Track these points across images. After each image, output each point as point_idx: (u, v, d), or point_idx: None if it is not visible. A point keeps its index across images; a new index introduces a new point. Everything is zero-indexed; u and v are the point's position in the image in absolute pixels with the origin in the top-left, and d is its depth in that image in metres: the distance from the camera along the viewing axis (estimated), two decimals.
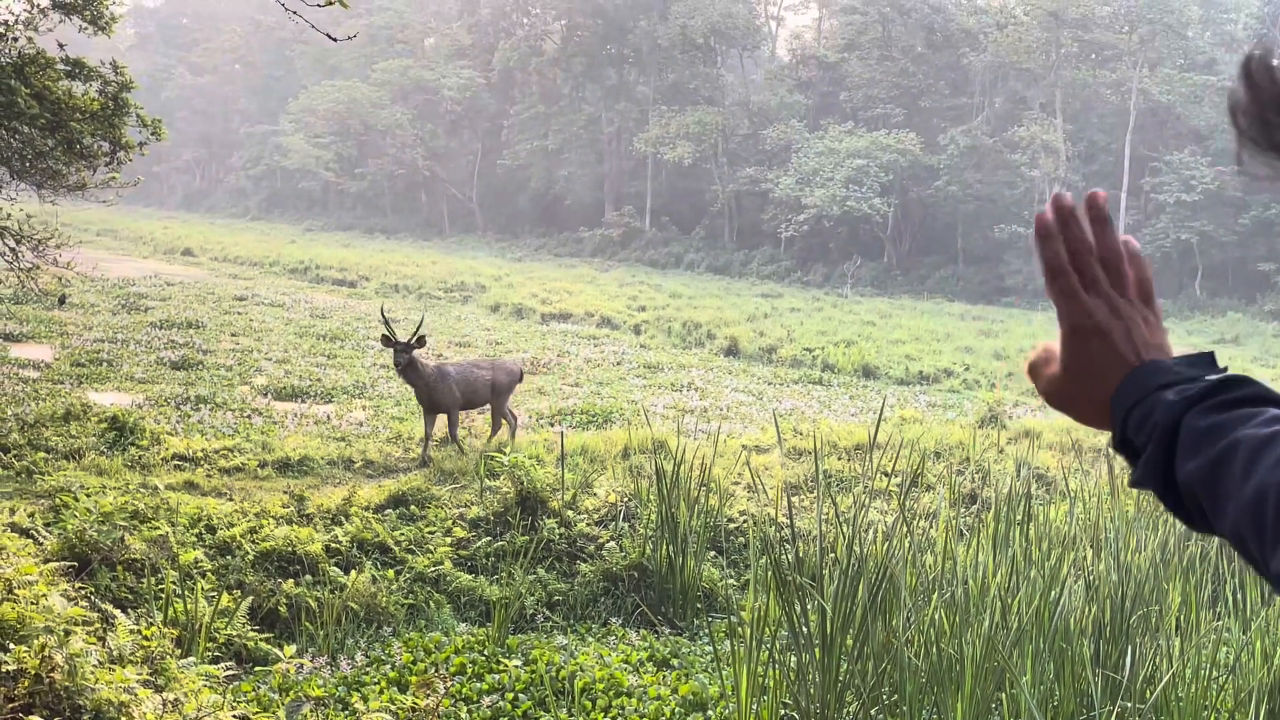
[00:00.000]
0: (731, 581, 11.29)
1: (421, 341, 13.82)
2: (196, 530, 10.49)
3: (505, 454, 12.97)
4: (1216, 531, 1.18)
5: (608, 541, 11.51)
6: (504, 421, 15.04)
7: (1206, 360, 1.28)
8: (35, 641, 5.93)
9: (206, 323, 26.19)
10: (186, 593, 9.07)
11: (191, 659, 7.92)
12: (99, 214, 56.88)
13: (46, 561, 8.65)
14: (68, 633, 6.29)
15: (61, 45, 15.46)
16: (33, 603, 6.47)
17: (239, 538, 10.43)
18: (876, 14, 61.86)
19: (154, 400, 16.75)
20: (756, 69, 75.78)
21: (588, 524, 11.84)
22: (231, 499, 11.68)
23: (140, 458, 12.80)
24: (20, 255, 15.99)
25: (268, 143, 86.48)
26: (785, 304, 43.53)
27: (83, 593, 8.41)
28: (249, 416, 16.16)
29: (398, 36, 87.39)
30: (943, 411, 21.85)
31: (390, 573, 10.57)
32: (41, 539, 9.48)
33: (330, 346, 24.35)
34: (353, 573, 10.27)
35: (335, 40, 7.45)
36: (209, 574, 9.83)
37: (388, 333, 14.01)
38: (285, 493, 11.85)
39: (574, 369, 23.95)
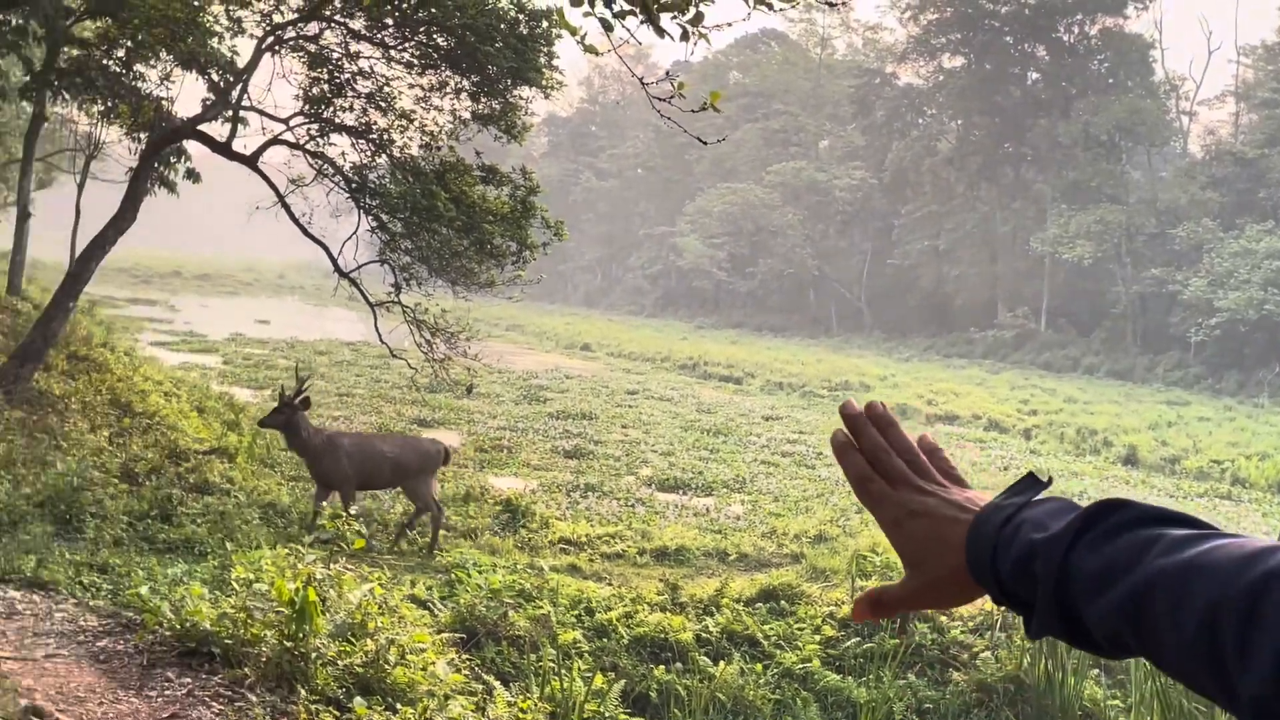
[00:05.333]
0: (1116, 702, 10.61)
1: (306, 403, 12.35)
2: (576, 612, 10.94)
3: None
4: (1142, 656, 1.06)
5: (983, 651, 11.10)
6: (428, 511, 12.95)
7: (1028, 481, 1.18)
8: (420, 704, 6.34)
9: (599, 414, 27.38)
10: (563, 671, 9.44)
11: None
12: (508, 310, 60.81)
13: (439, 632, 9.24)
14: (448, 698, 6.68)
15: (478, 153, 16.81)
16: (421, 669, 6.93)
17: (615, 621, 10.78)
18: None
19: (546, 486, 17.65)
20: (1165, 165, 72.18)
21: (962, 631, 11.47)
22: (610, 584, 12.11)
23: (529, 539, 13.54)
24: (435, 347, 17.34)
25: (665, 243, 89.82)
26: (1192, 412, 40.77)
27: (468, 663, 8.91)
28: (632, 505, 16.74)
29: (792, 140, 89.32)
30: None
31: (759, 666, 10.61)
32: (436, 611, 10.15)
33: (714, 441, 24.88)
34: (721, 663, 10.39)
35: (705, 143, 7.78)
36: (585, 654, 10.20)
37: (285, 391, 12.51)
38: (661, 580, 12.16)
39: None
